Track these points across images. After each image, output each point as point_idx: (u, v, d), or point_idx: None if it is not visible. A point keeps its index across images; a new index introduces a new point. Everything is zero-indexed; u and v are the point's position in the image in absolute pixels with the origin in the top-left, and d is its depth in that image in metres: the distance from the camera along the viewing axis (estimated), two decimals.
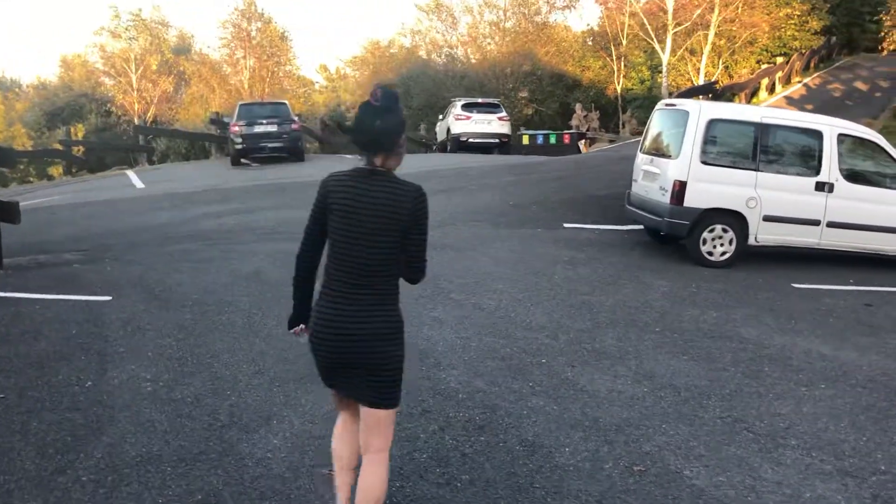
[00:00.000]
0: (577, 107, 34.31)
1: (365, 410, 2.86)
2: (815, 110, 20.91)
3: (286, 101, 21.21)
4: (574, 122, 33.97)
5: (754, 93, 23.38)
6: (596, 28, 39.02)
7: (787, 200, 8.91)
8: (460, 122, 24.82)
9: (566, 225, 11.15)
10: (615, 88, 35.70)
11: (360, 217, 2.75)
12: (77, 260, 8.37)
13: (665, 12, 23.41)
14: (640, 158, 10.03)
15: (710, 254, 9.00)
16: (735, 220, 8.93)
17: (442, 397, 4.61)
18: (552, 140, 30.22)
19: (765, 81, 23.46)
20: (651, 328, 6.29)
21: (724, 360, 5.55)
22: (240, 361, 5.14)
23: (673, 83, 27.99)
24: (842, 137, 8.98)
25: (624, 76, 34.75)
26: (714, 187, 8.87)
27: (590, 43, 38.78)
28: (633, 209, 10.03)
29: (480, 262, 8.75)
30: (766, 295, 7.83)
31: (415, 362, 4.53)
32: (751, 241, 9.00)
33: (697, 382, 5.05)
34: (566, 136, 30.75)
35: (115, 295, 6.57)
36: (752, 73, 25.47)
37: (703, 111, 8.92)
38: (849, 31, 30.84)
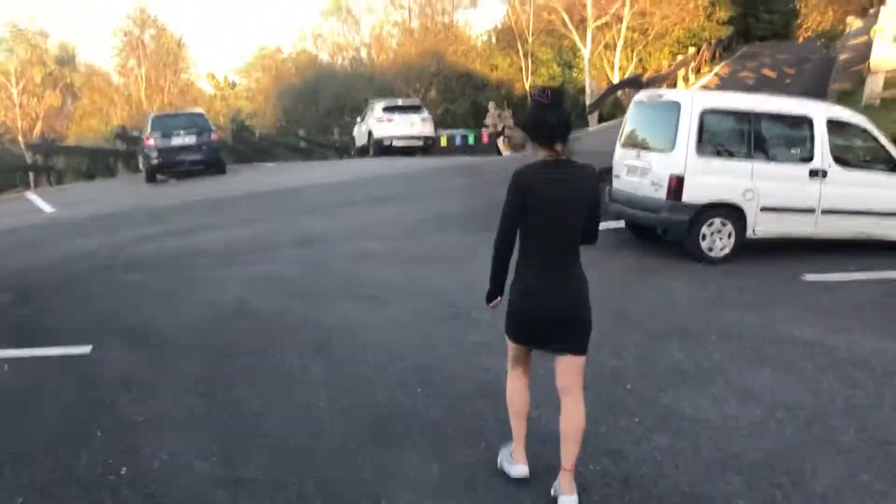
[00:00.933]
0: (490, 105, 34.05)
1: (566, 360, 3.39)
2: None
3: (203, 111, 19.86)
4: (489, 121, 33.71)
5: (673, 84, 23.67)
6: (499, 26, 39.06)
7: (783, 190, 8.64)
8: (382, 124, 24.00)
9: None
10: (524, 86, 35.72)
11: (563, 200, 3.23)
12: (7, 301, 7.16)
13: (584, 6, 23.34)
14: (622, 153, 9.59)
15: (710, 249, 8.62)
16: (733, 213, 8.58)
17: (552, 444, 3.92)
18: (470, 140, 29.81)
19: (681, 72, 23.81)
20: (706, 336, 5.78)
21: (808, 369, 5.09)
22: (292, 420, 4.27)
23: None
24: (831, 122, 8.78)
25: (533, 73, 34.79)
26: (711, 180, 8.50)
27: (494, 42, 38.69)
28: (619, 206, 9.57)
29: (474, 271, 8.05)
30: (785, 290, 7.51)
31: None
32: (749, 233, 8.68)
33: (802, 398, 4.55)
34: (484, 135, 30.43)
35: (93, 344, 5.52)
36: (663, 66, 25.84)
37: (695, 102, 8.53)
38: (745, 22, 31.82)
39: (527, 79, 35.68)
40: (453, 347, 5.48)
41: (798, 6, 24.00)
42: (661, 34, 25.44)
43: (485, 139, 30.24)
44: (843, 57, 14.37)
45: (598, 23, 23.45)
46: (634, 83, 21.18)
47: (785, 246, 9.07)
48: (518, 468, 3.56)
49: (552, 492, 3.44)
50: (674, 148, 8.51)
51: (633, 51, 25.88)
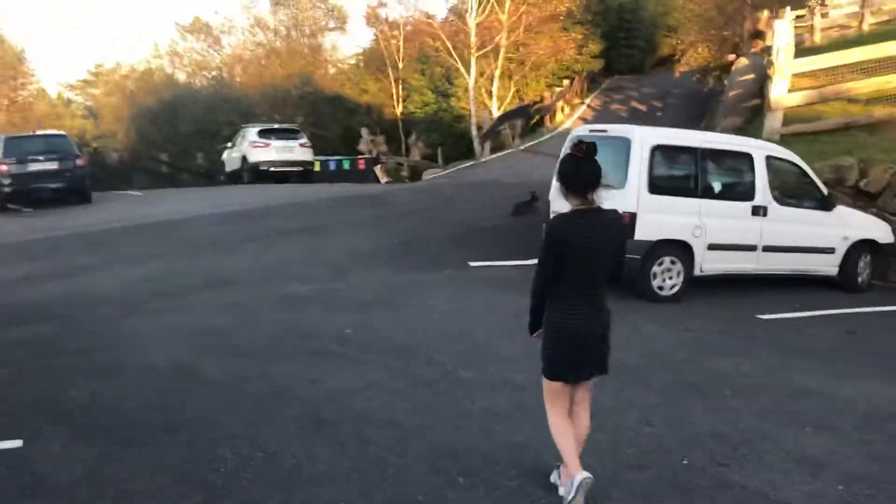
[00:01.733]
0: (364, 131, 33.46)
1: (584, 384, 3.78)
2: None
3: (65, 133, 17.92)
4: (363, 147, 33.04)
5: (553, 114, 24.04)
6: (362, 50, 38.59)
7: (729, 227, 8.60)
8: (258, 149, 22.77)
9: (472, 264, 10.09)
10: (395, 111, 35.35)
11: (596, 246, 3.52)
12: None
13: (468, 34, 23.26)
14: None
15: (661, 288, 8.42)
16: (682, 250, 8.43)
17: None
18: (345, 165, 29.02)
19: (560, 103, 24.26)
20: (720, 392, 5.43)
21: (847, 429, 4.81)
22: None
23: (465, 107, 28.05)
24: (769, 159, 8.86)
25: (405, 99, 34.47)
26: (662, 218, 8.30)
27: (361, 66, 38.12)
28: None
29: (434, 319, 7.41)
30: (755, 331, 7.39)
31: None
32: (696, 271, 8.55)
33: (870, 469, 4.22)
34: (360, 161, 29.72)
35: (19, 434, 4.36)
36: (539, 96, 26.26)
37: (645, 138, 8.33)
38: (607, 55, 33.06)
39: (397, 104, 35.33)
40: (467, 418, 4.78)
41: (675, 43, 25.19)
42: (537, 65, 25.84)
43: (361, 165, 29.54)
44: (732, 93, 14.89)
45: (480, 53, 23.43)
46: (523, 113, 21.28)
47: (711, 283, 8.90)
48: (580, 475, 3.56)
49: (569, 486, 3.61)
50: (625, 184, 8.24)
51: (511, 80, 26.12)
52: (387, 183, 29.52)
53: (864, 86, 12.24)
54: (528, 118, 22.26)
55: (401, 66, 34.99)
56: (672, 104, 27.01)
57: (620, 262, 3.68)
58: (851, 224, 9.35)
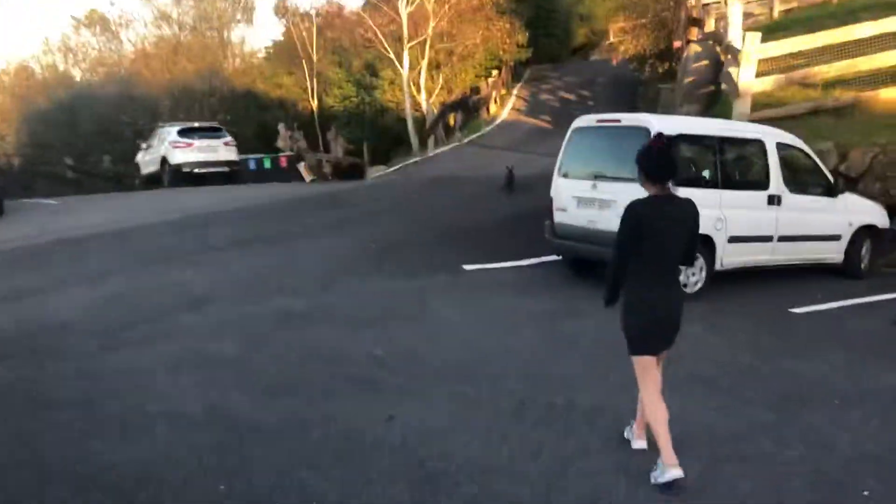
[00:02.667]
0: (281, 127, 31.98)
1: (660, 357, 4.02)
2: (560, 123, 21.55)
3: None
4: (281, 144, 31.60)
5: (487, 106, 23.56)
6: (272, 42, 37.11)
7: (747, 218, 8.25)
8: (180, 150, 21.37)
9: (466, 267, 9.40)
10: (311, 104, 34.09)
11: (671, 228, 3.87)
12: None
13: (400, 26, 22.43)
14: (569, 184, 8.70)
15: (685, 286, 7.97)
16: (704, 244, 8.01)
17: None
18: (267, 164, 27.73)
19: (493, 94, 23.80)
20: (827, 401, 5.02)
21: None
22: None
23: (391, 100, 27.22)
24: (779, 146, 8.57)
25: (323, 92, 33.27)
26: None
27: (272, 60, 36.61)
28: (570, 243, 8.66)
29: (460, 333, 6.72)
30: (800, 327, 7.04)
31: None
32: (717, 265, 8.16)
33: None
34: (282, 158, 28.44)
35: None
36: (475, 87, 25.75)
37: (664, 127, 7.84)
38: (534, 45, 32.75)
39: (313, 98, 34.07)
40: (600, 458, 4.12)
41: (608, 32, 25.09)
42: (464, 56, 25.29)
43: (283, 163, 28.25)
44: (687, 80, 14.73)
45: (413, 43, 22.66)
46: (463, 105, 20.69)
47: (727, 278, 8.56)
48: (674, 471, 3.73)
49: (625, 434, 4.32)
50: None
51: (439, 72, 25.46)
52: (312, 181, 28.37)
53: (831, 69, 12.21)
54: (468, 109, 21.70)
55: (315, 58, 33.76)
56: (600, 92, 27.05)
57: (692, 247, 4.05)
58: (854, 210, 9.21)
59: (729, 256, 8.20)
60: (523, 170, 15.19)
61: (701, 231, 7.81)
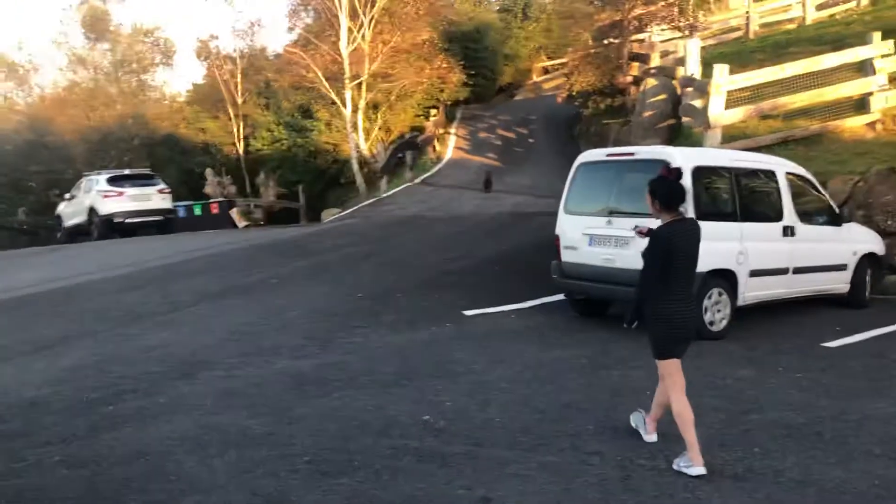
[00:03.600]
0: (209, 172, 30.92)
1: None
2: (508, 161, 21.36)
3: None
4: (208, 190, 30.45)
5: (433, 145, 23.21)
6: (192, 85, 35.96)
7: (766, 251, 8.03)
8: (111, 199, 20.17)
9: (467, 313, 8.85)
10: (238, 149, 33.06)
11: (691, 247, 4.48)
12: None
13: (341, 65, 21.85)
14: (578, 221, 8.29)
15: (712, 323, 7.65)
16: (726, 279, 7.72)
17: None
18: (198, 211, 26.64)
19: (438, 133, 23.47)
20: None
21: None
22: None
23: (328, 142, 26.55)
24: (788, 175, 8.42)
25: (250, 136, 32.27)
26: (711, 245, 7.46)
27: (194, 105, 35.38)
28: (582, 283, 8.24)
29: (503, 389, 6.13)
30: (841, 364, 6.76)
31: None
32: (739, 301, 7.87)
33: None
34: (213, 205, 27.37)
35: None
36: (420, 126, 25.41)
37: (687, 159, 7.56)
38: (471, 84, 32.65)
39: (239, 142, 33.04)
40: None
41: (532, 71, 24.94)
42: (402, 96, 24.93)
43: (214, 210, 27.13)
44: (646, 114, 14.74)
45: (354, 83, 22.11)
46: (412, 145, 20.24)
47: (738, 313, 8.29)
48: (699, 468, 4.25)
49: (632, 423, 4.98)
50: None
51: (375, 110, 24.97)
52: (245, 227, 27.30)
53: (799, 99, 12.37)
54: (416, 148, 21.25)
55: (240, 101, 32.84)
56: (536, 130, 27.14)
57: (696, 261, 4.57)
58: (858, 238, 9.15)
59: (750, 291, 7.94)
60: (492, 208, 14.84)
61: (723, 266, 7.68)
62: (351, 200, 20.35)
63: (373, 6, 22.20)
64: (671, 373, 4.43)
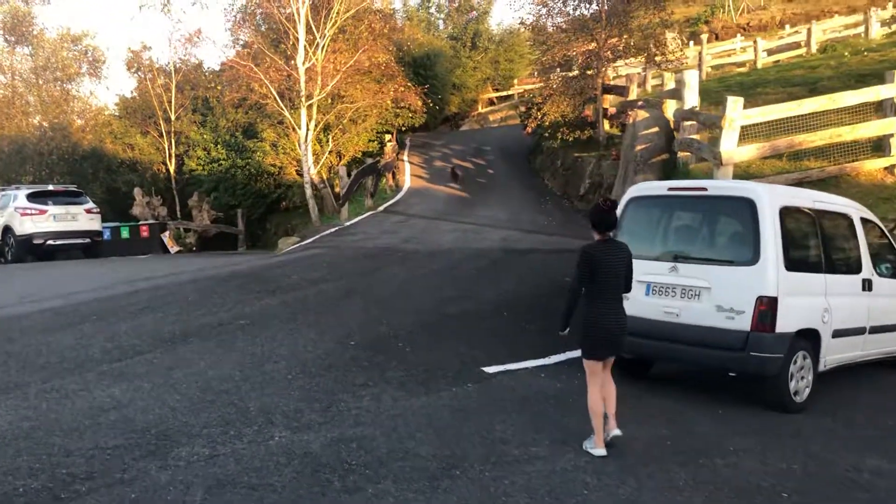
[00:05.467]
0: (137, 192, 28.53)
1: (609, 361, 5.40)
2: (474, 192, 20.06)
3: None
4: (136, 211, 28.07)
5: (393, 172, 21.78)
6: (119, 98, 33.52)
7: (848, 307, 6.91)
8: (30, 217, 17.98)
9: (487, 370, 7.43)
10: (169, 168, 30.81)
11: (615, 265, 5.22)
12: None
13: (296, 81, 20.18)
14: (635, 266, 6.98)
15: (797, 393, 6.44)
16: (809, 339, 6.54)
17: None
18: (125, 234, 24.44)
19: (395, 158, 22.07)
20: None
21: None
22: None
23: (273, 163, 24.76)
24: (863, 221, 7.36)
25: (185, 155, 30.07)
26: (798, 301, 6.36)
27: (123, 118, 32.92)
28: (635, 339, 6.92)
29: (586, 483, 4.70)
30: None
31: None
32: (820, 366, 6.70)
33: None
34: (143, 228, 25.13)
35: None
36: (359, 152, 23.94)
37: (773, 197, 6.37)
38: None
39: (171, 160, 30.80)
40: None
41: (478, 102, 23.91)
42: (355, 119, 23.44)
43: (144, 233, 24.90)
44: (638, 148, 13.73)
45: (310, 102, 20.45)
46: (372, 170, 18.77)
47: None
48: (601, 450, 5.18)
49: (606, 436, 5.29)
50: (757, 260, 6.19)
51: (328, 134, 23.37)
52: (178, 252, 25.13)
53: (816, 138, 11.52)
54: (377, 174, 19.77)
55: (173, 117, 30.66)
56: (494, 160, 26.05)
57: (629, 278, 5.35)
58: None
59: (831, 354, 6.78)
60: (477, 242, 13.47)
61: (809, 325, 6.50)
62: (308, 228, 18.61)
63: (331, 24, 20.73)
64: (593, 371, 5.28)
